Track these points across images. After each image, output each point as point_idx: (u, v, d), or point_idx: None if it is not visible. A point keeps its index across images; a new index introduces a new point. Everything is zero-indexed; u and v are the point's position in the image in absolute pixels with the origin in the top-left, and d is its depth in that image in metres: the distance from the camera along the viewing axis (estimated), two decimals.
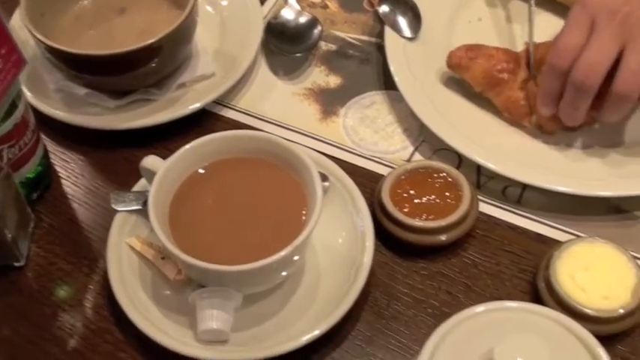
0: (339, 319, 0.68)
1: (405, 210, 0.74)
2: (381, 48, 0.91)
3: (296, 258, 0.68)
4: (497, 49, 0.84)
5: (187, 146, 0.70)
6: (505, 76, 0.81)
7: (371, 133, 0.86)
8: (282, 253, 0.63)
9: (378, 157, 0.84)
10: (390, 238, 0.75)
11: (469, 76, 0.83)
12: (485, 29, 0.93)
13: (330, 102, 0.89)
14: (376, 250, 0.74)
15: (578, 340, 0.52)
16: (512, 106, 0.81)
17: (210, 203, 0.69)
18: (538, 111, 0.80)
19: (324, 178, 0.76)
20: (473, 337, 0.52)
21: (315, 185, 0.67)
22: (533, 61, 0.82)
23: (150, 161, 0.71)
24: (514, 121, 0.82)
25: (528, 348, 0.49)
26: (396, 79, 0.86)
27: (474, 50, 0.83)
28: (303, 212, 0.68)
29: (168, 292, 0.71)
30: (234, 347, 0.67)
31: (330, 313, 0.68)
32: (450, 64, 0.84)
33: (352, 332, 0.71)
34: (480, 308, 0.54)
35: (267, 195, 0.70)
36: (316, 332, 0.67)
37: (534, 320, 0.53)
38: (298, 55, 0.92)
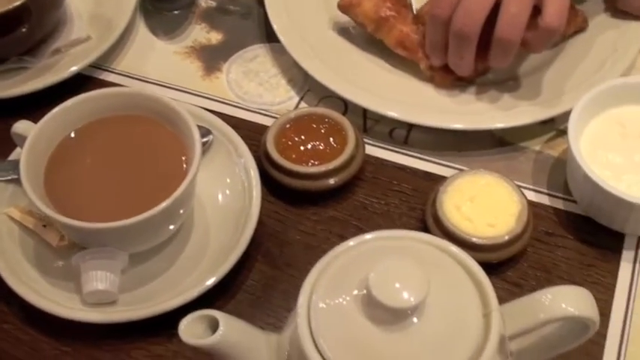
0: (229, 269, 0.67)
1: (292, 157, 0.74)
2: (261, 1, 0.90)
3: (181, 211, 0.67)
4: None
5: (58, 108, 0.68)
6: (396, 11, 0.81)
7: (255, 86, 0.85)
8: (163, 205, 0.62)
9: (264, 110, 0.83)
10: (279, 188, 0.75)
11: (361, 13, 0.81)
12: None
13: (212, 58, 0.88)
14: (266, 201, 0.74)
15: (455, 261, 0.52)
16: (406, 40, 0.81)
17: (87, 163, 0.68)
18: (430, 63, 0.80)
19: (206, 132, 0.75)
20: (351, 268, 0.51)
21: (193, 135, 0.65)
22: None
23: (21, 126, 0.68)
24: (409, 57, 0.81)
25: (405, 272, 0.49)
26: (277, 30, 0.85)
27: None
28: (184, 164, 0.66)
29: (52, 260, 0.69)
30: (123, 307, 0.66)
31: (221, 265, 0.67)
32: (342, 5, 0.82)
33: (246, 283, 0.70)
34: (351, 242, 0.54)
35: (145, 151, 0.68)
36: (207, 284, 0.66)
37: (413, 247, 0.53)
38: (176, 12, 0.91)
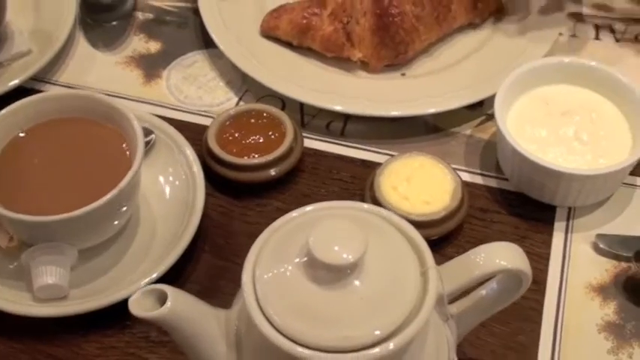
0: (175, 260, 0.69)
1: (233, 152, 0.76)
2: (197, 11, 0.93)
3: (124, 209, 0.69)
4: (298, 2, 0.89)
5: (3, 111, 0.69)
6: (311, 19, 0.86)
7: (195, 89, 0.87)
8: (108, 196, 0.64)
9: (204, 111, 0.85)
10: (223, 183, 0.77)
11: (282, 34, 0.88)
12: None
13: (152, 66, 0.90)
14: (211, 196, 0.76)
15: (391, 224, 0.54)
16: (328, 43, 0.85)
17: (35, 163, 0.69)
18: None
19: (148, 132, 0.76)
20: (292, 237, 0.53)
21: (135, 129, 0.67)
22: None
23: None
24: (339, 56, 0.86)
25: (344, 232, 0.51)
26: (214, 36, 0.88)
27: (277, 10, 0.89)
28: (128, 159, 0.68)
29: (1, 261, 0.70)
30: (72, 301, 0.67)
31: (167, 257, 0.69)
32: (263, 32, 0.89)
33: (194, 274, 0.72)
34: (294, 213, 0.56)
35: (91, 150, 0.70)
36: (154, 276, 0.67)
37: (350, 214, 0.55)
38: (114, 24, 0.94)
